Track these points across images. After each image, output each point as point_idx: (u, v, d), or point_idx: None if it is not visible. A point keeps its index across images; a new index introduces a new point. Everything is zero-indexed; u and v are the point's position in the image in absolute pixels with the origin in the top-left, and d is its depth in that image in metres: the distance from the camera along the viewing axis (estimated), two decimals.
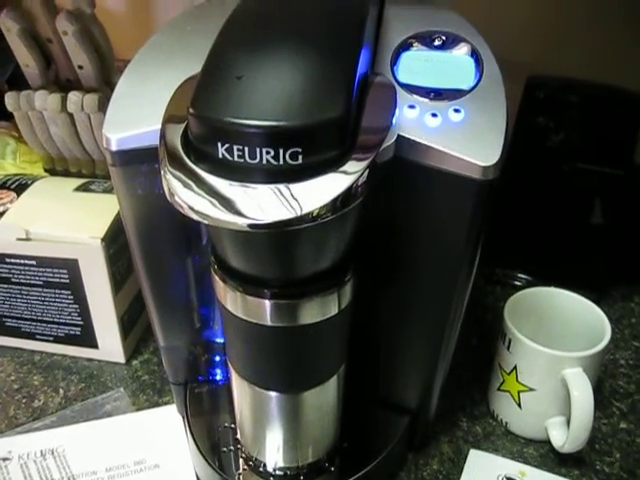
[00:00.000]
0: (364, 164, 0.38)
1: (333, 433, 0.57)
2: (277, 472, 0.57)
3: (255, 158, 0.36)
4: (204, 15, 0.55)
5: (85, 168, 0.86)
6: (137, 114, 0.48)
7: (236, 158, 0.37)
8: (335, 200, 0.36)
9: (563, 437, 0.62)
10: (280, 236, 0.40)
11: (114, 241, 0.69)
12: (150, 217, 0.52)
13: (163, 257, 0.55)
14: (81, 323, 0.73)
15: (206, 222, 0.37)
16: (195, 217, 0.37)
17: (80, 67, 0.78)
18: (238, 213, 0.36)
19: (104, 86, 0.80)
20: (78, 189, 0.75)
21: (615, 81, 0.75)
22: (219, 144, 0.37)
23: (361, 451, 0.59)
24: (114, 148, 0.48)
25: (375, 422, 0.62)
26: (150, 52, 0.53)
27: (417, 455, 0.65)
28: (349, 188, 0.37)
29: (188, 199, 0.37)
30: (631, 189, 0.78)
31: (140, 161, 0.48)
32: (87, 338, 0.74)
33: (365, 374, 0.59)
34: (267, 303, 0.44)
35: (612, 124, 0.75)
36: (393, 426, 0.61)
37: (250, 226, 0.36)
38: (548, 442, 0.64)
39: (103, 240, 0.67)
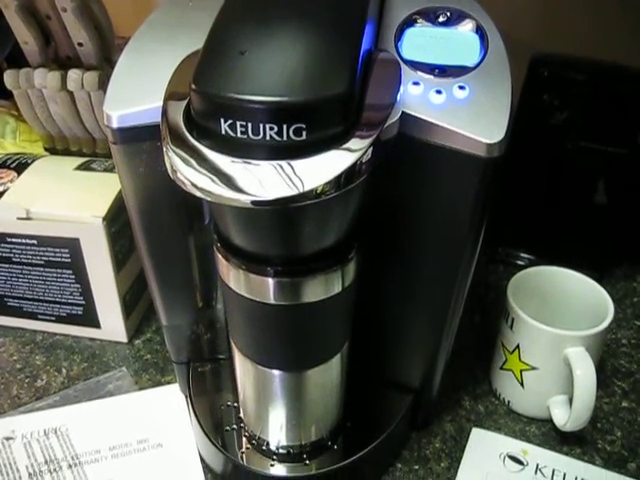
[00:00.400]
0: (368, 141, 0.37)
1: (336, 412, 0.57)
2: (280, 451, 0.57)
3: (258, 134, 0.36)
4: None
5: (86, 147, 0.85)
6: (138, 91, 0.47)
7: (239, 134, 0.36)
8: (339, 177, 0.36)
9: (565, 416, 0.62)
10: (283, 213, 0.40)
11: (115, 220, 0.68)
12: (152, 195, 0.52)
13: (165, 235, 0.55)
14: (83, 303, 0.73)
15: (209, 199, 0.36)
16: (198, 194, 0.36)
17: (80, 44, 0.77)
18: (241, 190, 0.36)
19: (104, 63, 0.79)
20: (79, 168, 0.75)
21: (620, 59, 0.74)
22: (222, 120, 0.36)
23: (364, 430, 0.59)
24: (115, 125, 0.47)
25: (378, 401, 0.62)
26: (151, 28, 0.53)
27: (420, 434, 0.65)
28: (353, 165, 0.36)
29: (191, 176, 0.36)
30: (635, 168, 0.78)
31: (141, 138, 0.47)
32: (89, 318, 0.74)
33: (368, 353, 0.59)
34: (270, 281, 0.44)
35: (617, 102, 0.74)
36: (396, 405, 0.61)
37: (253, 203, 0.35)
38: (550, 421, 0.64)
39: (104, 219, 0.67)
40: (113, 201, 0.68)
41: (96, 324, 0.75)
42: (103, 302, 0.73)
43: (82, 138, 0.84)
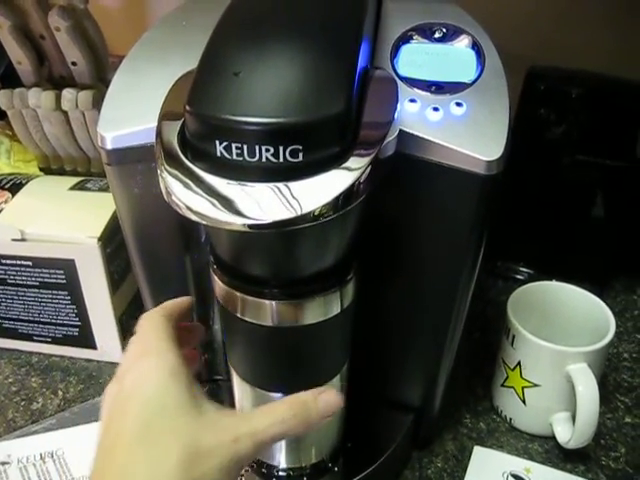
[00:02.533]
0: (367, 160, 0.37)
1: (336, 433, 0.56)
2: (280, 473, 0.56)
3: (254, 156, 0.35)
4: (199, 9, 0.54)
5: (80, 166, 0.85)
6: (132, 111, 0.47)
7: (235, 156, 0.36)
8: (337, 198, 0.36)
9: (568, 433, 0.61)
10: (281, 236, 0.39)
11: (111, 240, 0.68)
12: (147, 216, 0.51)
13: (161, 256, 0.54)
14: (79, 324, 0.73)
15: (204, 222, 0.36)
16: (193, 217, 0.36)
17: (74, 64, 0.77)
18: (237, 213, 0.35)
19: (98, 83, 0.79)
20: (73, 188, 0.75)
21: (617, 72, 0.74)
22: (217, 142, 0.36)
23: (365, 450, 0.59)
24: (109, 146, 0.47)
25: (379, 421, 0.61)
26: (145, 48, 0.52)
27: (421, 453, 0.64)
28: (351, 185, 0.36)
29: (186, 199, 0.36)
30: (633, 181, 0.77)
31: (136, 159, 0.47)
32: (85, 339, 0.74)
33: (368, 372, 0.58)
34: (268, 303, 0.43)
35: (614, 116, 0.74)
36: (397, 424, 0.61)
37: (249, 226, 0.35)
38: (553, 438, 0.63)
39: (100, 239, 0.66)
40: (108, 221, 0.68)
41: (92, 345, 0.74)
42: (99, 323, 0.72)
43: (77, 157, 0.84)
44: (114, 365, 0.75)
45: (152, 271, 0.55)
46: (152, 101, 0.43)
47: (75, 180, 0.76)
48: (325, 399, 0.42)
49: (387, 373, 0.59)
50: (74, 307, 0.71)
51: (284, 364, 0.47)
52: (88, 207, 0.71)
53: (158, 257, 0.54)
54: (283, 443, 0.54)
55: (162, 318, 0.44)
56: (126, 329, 0.74)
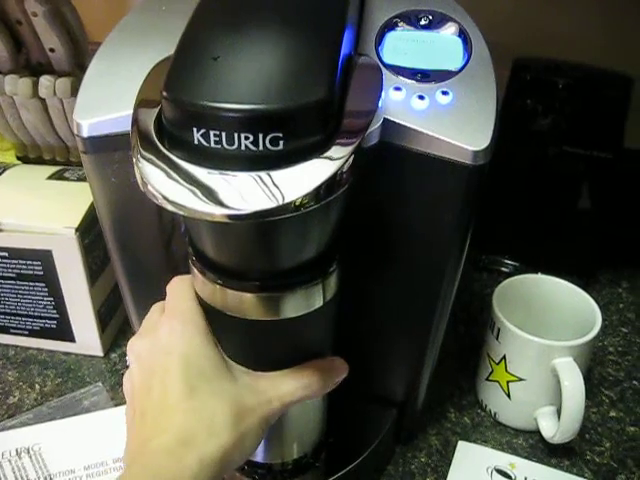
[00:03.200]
0: (349, 149, 0.36)
1: (319, 428, 0.55)
2: (261, 469, 0.55)
3: (233, 144, 0.34)
4: None
5: (59, 155, 0.83)
6: (109, 98, 0.46)
7: (213, 144, 0.34)
8: (319, 188, 0.34)
9: (553, 428, 0.60)
10: (261, 227, 0.38)
11: (89, 231, 0.66)
12: (125, 206, 0.50)
13: (139, 248, 0.53)
14: (57, 316, 0.71)
15: (181, 213, 0.34)
16: (170, 208, 0.35)
17: (52, 50, 0.75)
18: (215, 203, 0.34)
19: (77, 70, 0.77)
20: (51, 177, 0.73)
21: (604, 63, 0.73)
22: (195, 129, 0.34)
23: (348, 446, 0.58)
24: (85, 134, 0.46)
25: (362, 416, 0.60)
26: (123, 34, 0.51)
27: (405, 448, 0.63)
28: (334, 175, 0.35)
29: (162, 189, 0.35)
30: (619, 173, 0.77)
31: (113, 148, 0.46)
32: (63, 331, 0.72)
33: (352, 366, 0.57)
34: (248, 296, 0.42)
35: (600, 106, 0.74)
36: (380, 419, 0.60)
37: (229, 217, 0.34)
38: (538, 432, 0.63)
39: (77, 230, 0.65)
40: (86, 211, 0.66)
41: (70, 338, 0.73)
42: (77, 315, 0.71)
43: (55, 146, 0.82)
44: (93, 358, 0.73)
45: (130, 263, 0.54)
46: (130, 88, 0.41)
47: (53, 169, 0.74)
48: (338, 366, 0.49)
49: (370, 367, 0.58)
50: (52, 299, 0.70)
51: (265, 358, 0.45)
52: (66, 197, 0.69)
53: (136, 248, 0.53)
54: (264, 439, 0.53)
55: (192, 284, 0.46)
56: (105, 321, 0.72)
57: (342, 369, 0.49)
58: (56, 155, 0.83)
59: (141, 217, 0.50)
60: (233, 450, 0.41)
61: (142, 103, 0.39)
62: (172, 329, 0.44)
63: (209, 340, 0.44)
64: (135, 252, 0.53)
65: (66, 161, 0.83)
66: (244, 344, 0.45)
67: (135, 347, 0.46)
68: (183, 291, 0.46)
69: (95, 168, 0.48)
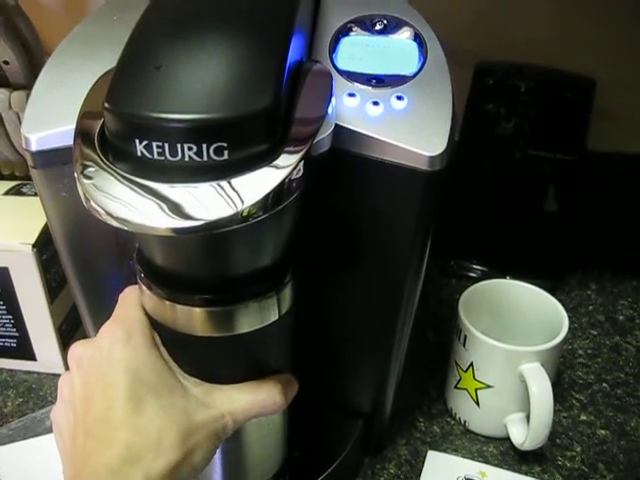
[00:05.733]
0: (297, 157, 0.35)
1: (281, 448, 0.53)
2: None
3: (176, 155, 0.33)
4: (133, 4, 0.51)
5: (17, 170, 0.81)
6: (58, 111, 0.44)
7: (156, 156, 0.33)
8: (266, 197, 0.33)
9: (523, 434, 0.60)
10: (208, 239, 0.37)
11: (47, 247, 0.65)
12: (77, 221, 0.49)
13: (94, 263, 0.52)
14: (16, 334, 0.69)
15: (126, 228, 0.33)
16: (114, 224, 0.33)
17: (6, 62, 0.73)
18: (161, 217, 0.33)
19: (33, 82, 0.75)
20: (8, 193, 0.72)
21: (565, 66, 0.73)
22: (137, 141, 0.33)
23: (314, 460, 0.57)
24: (34, 148, 0.45)
25: (327, 427, 0.59)
26: (73, 44, 0.50)
27: (373, 459, 0.62)
28: (281, 183, 0.34)
29: (105, 204, 0.33)
30: (584, 174, 0.77)
31: (62, 161, 0.44)
32: (24, 350, 0.71)
33: (315, 378, 0.56)
34: (198, 311, 0.40)
35: (563, 109, 0.74)
36: (347, 430, 0.59)
37: (174, 230, 0.33)
38: (508, 439, 0.62)
39: (34, 246, 0.64)
40: (44, 227, 0.65)
41: (31, 356, 0.71)
42: (38, 333, 0.69)
43: (14, 161, 0.81)
44: (55, 377, 0.72)
45: (86, 279, 0.52)
46: (79, 100, 0.40)
47: (10, 184, 0.73)
48: (292, 387, 0.47)
49: (334, 377, 0.57)
50: (10, 317, 0.68)
51: (220, 373, 0.44)
52: (23, 212, 0.68)
53: (92, 265, 0.52)
54: (219, 465, 0.50)
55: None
56: (66, 339, 0.71)
57: (295, 389, 0.48)
58: (15, 170, 0.82)
59: (95, 232, 0.49)
60: (182, 466, 0.39)
61: (86, 115, 0.38)
62: (115, 337, 0.42)
63: (156, 351, 0.42)
64: (90, 268, 0.52)
65: (26, 176, 0.81)
66: (196, 360, 0.43)
67: (76, 353, 0.44)
68: (133, 300, 0.44)
69: (45, 183, 0.47)
